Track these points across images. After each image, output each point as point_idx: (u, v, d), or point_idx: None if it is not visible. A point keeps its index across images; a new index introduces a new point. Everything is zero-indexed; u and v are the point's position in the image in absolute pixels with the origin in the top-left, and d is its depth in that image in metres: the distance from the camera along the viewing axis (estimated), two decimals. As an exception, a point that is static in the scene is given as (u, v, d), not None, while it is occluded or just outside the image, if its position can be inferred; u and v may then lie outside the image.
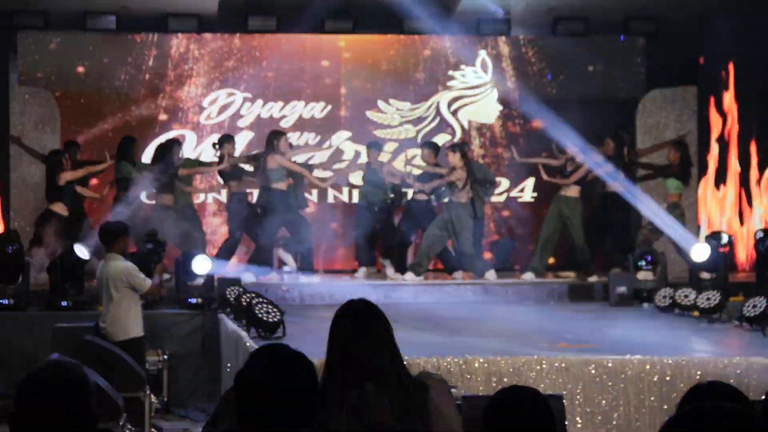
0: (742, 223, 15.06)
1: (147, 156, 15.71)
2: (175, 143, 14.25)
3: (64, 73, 15.93)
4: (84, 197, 14.18)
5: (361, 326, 4.21)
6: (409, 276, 13.80)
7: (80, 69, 16.01)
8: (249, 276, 13.38)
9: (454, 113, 16.62)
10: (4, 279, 11.74)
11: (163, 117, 16.12)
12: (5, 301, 11.51)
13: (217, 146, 14.35)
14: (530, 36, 16.65)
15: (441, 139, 16.33)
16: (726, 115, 15.61)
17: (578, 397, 8.12)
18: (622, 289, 12.69)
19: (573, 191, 14.11)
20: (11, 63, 15.76)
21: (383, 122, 16.44)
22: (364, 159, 16.05)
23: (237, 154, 14.89)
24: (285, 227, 14.04)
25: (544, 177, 14.52)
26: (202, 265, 11.85)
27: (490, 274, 13.96)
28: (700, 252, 12.42)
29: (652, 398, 8.13)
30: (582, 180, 14.11)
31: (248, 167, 14.64)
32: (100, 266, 9.80)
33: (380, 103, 16.47)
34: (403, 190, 15.02)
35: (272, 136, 14.05)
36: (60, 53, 15.94)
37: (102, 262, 9.79)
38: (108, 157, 13.77)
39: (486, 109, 16.69)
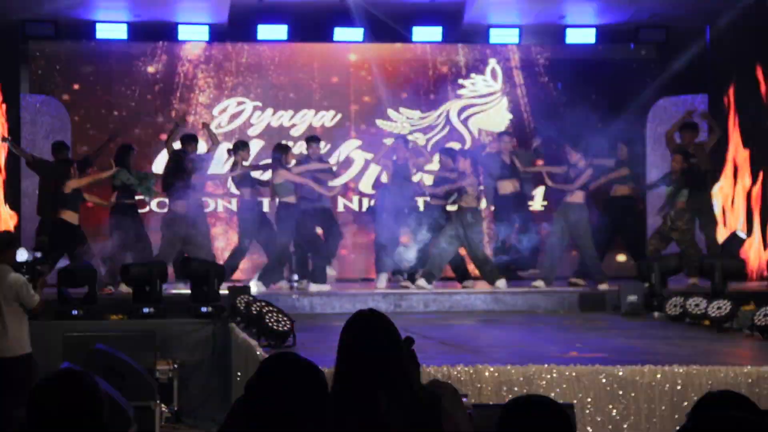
0: (751, 230, 14.99)
1: (160, 163, 15.76)
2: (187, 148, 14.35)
3: (75, 81, 15.98)
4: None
5: (371, 336, 4.21)
6: (422, 283, 13.78)
7: (91, 78, 16.05)
8: (259, 286, 13.42)
9: (464, 121, 16.63)
10: None
11: (173, 125, 16.13)
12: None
13: (231, 152, 14.39)
14: (540, 45, 16.65)
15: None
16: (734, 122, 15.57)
17: (589, 406, 8.10)
18: (633, 297, 12.66)
19: (577, 197, 14.07)
20: (22, 72, 15.81)
21: (393, 130, 16.44)
22: (375, 167, 16.09)
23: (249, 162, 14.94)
24: (299, 238, 14.06)
25: (549, 184, 14.54)
26: None
27: (501, 283, 13.92)
28: None
29: (663, 407, 8.11)
30: (586, 186, 14.07)
31: (260, 176, 14.70)
32: None
33: (390, 112, 16.48)
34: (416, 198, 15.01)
35: (277, 151, 14.05)
36: (70, 62, 15.99)
37: None
38: (113, 164, 13.80)
39: (496, 118, 16.70)
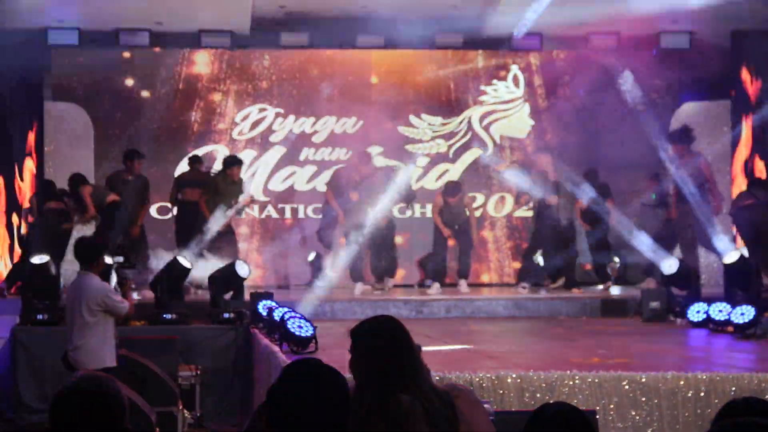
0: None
1: (181, 169, 15.82)
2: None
3: (98, 89, 16.04)
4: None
5: (392, 341, 4.23)
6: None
7: (113, 85, 16.12)
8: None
9: (486, 128, 16.61)
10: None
11: (195, 132, 16.20)
12: (39, 317, 11.58)
13: None
14: (562, 50, 16.63)
15: (473, 154, 16.36)
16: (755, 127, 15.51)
17: (611, 412, 8.07)
18: (655, 303, 12.61)
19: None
20: (45, 80, 15.88)
21: (415, 137, 16.47)
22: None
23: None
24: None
25: None
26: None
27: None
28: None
29: (687, 414, 8.06)
30: None
31: None
32: (72, 285, 8.97)
33: (412, 118, 16.48)
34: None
35: None
36: (93, 69, 16.06)
37: (74, 281, 8.99)
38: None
39: (518, 124, 16.68)
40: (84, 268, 8.79)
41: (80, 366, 8.54)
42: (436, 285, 14.39)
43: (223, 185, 14.17)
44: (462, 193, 14.78)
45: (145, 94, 16.17)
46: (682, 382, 8.11)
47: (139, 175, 14.12)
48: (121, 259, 10.09)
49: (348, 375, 3.63)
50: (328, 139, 16.41)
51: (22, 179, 15.47)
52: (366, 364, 4.20)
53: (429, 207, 16.32)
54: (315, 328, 9.82)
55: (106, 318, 8.72)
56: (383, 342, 4.23)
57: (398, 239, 15.83)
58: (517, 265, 16.02)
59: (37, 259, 12.50)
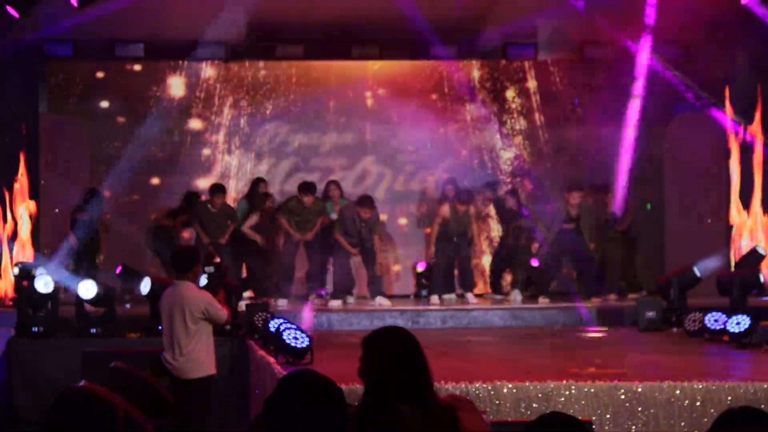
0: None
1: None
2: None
3: (93, 101, 16.03)
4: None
5: (399, 352, 4.24)
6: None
7: (109, 97, 16.11)
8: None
9: (482, 138, 16.62)
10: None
11: (190, 143, 16.20)
12: (35, 329, 11.56)
13: None
14: (557, 60, 16.65)
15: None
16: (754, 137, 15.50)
17: (608, 422, 8.08)
18: (651, 313, 12.62)
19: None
20: (41, 92, 15.87)
21: (411, 147, 16.46)
22: (388, 179, 16.26)
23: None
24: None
25: None
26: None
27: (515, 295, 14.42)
28: None
29: (683, 424, 8.07)
30: None
31: None
32: (169, 294, 8.92)
33: (408, 128, 16.46)
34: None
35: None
36: (89, 81, 16.05)
37: (171, 290, 8.94)
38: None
39: (512, 134, 16.68)
40: (181, 276, 8.81)
41: (182, 374, 8.69)
42: (435, 297, 14.37)
43: (299, 208, 14.56)
44: (472, 202, 14.78)
45: (140, 104, 16.14)
46: (678, 392, 8.12)
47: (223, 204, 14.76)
48: (212, 269, 10.14)
49: (344, 386, 3.63)
50: (325, 150, 16.42)
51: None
52: (376, 371, 4.20)
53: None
54: (311, 339, 9.82)
55: (207, 326, 8.77)
56: (395, 351, 4.23)
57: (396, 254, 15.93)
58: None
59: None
